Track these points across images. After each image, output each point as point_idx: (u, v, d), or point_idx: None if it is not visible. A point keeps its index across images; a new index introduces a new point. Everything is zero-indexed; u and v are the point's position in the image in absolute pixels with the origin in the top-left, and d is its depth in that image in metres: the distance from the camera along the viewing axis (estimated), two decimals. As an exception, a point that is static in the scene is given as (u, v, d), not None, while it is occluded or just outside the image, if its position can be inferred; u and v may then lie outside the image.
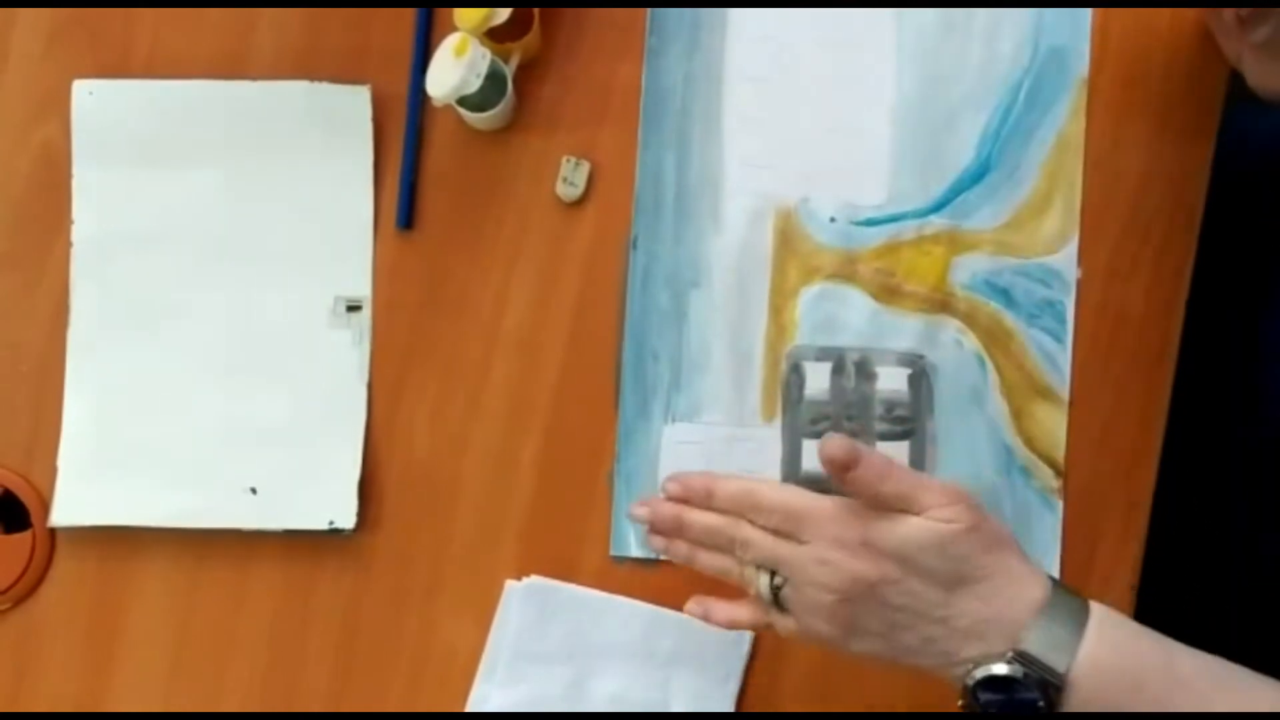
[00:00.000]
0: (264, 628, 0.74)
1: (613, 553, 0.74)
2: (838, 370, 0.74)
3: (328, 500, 0.74)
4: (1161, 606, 0.70)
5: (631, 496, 0.74)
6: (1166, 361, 0.73)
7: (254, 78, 0.75)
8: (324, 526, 0.73)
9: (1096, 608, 0.58)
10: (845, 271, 0.74)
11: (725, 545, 0.64)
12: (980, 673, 0.58)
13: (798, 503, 0.61)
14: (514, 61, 0.73)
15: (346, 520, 0.73)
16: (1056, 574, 0.72)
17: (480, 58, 0.69)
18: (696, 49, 0.75)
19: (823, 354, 0.74)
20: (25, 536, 0.74)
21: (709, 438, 0.74)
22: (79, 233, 0.75)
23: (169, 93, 0.75)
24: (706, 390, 0.74)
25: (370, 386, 0.75)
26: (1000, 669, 0.57)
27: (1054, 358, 0.73)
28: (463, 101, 0.71)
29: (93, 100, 0.75)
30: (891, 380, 0.74)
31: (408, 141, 0.75)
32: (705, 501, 0.65)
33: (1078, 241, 0.73)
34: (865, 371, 0.74)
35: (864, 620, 0.60)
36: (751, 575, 0.63)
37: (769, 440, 0.74)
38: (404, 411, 0.75)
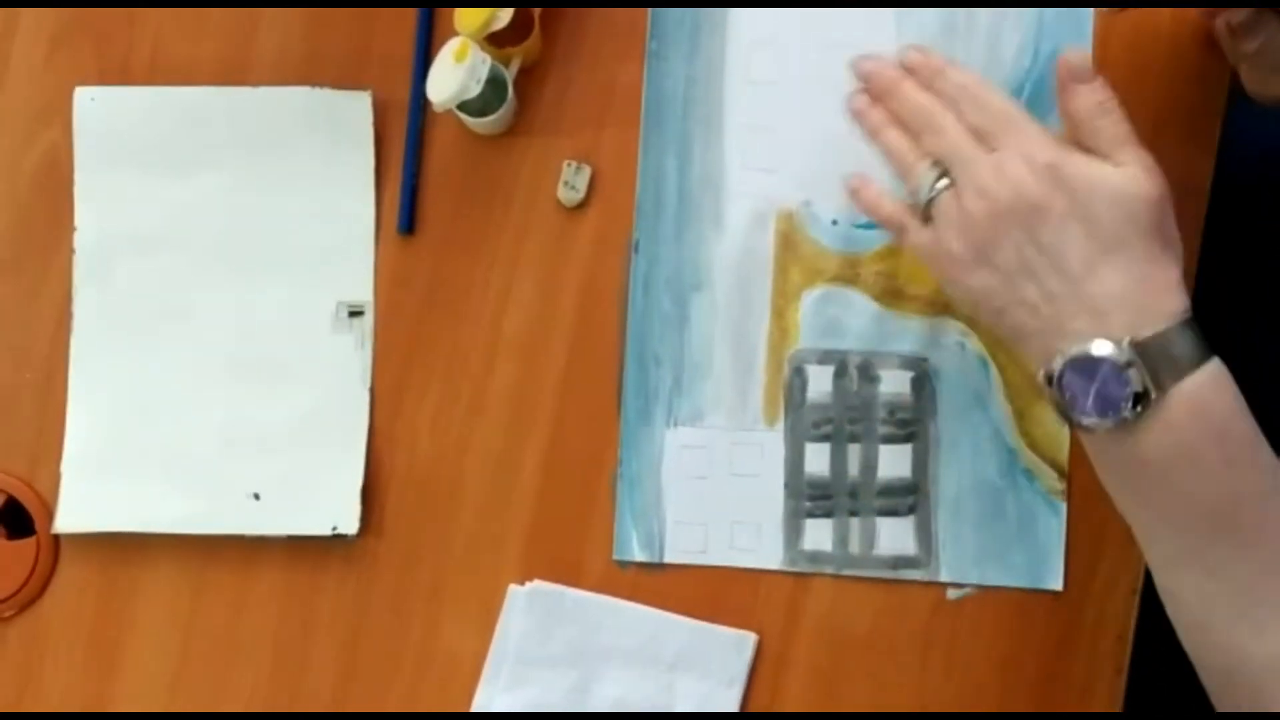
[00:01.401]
0: (267, 633, 0.74)
1: (616, 557, 0.74)
2: (840, 373, 0.74)
3: (331, 505, 0.74)
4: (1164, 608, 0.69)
5: (634, 501, 0.74)
6: (1170, 363, 0.73)
7: (255, 84, 0.75)
8: (327, 531, 0.73)
9: (1215, 359, 0.55)
10: (847, 274, 0.74)
11: (918, 129, 0.62)
12: (1078, 348, 0.55)
13: (1014, 112, 0.59)
14: (514, 66, 0.73)
15: (349, 525, 0.73)
16: (1060, 577, 0.72)
17: (480, 63, 0.69)
18: (697, 52, 0.75)
19: (825, 357, 0.74)
20: (29, 543, 0.75)
21: (711, 442, 0.74)
22: (82, 239, 0.75)
23: (171, 99, 0.75)
24: (708, 394, 0.74)
25: (372, 391, 0.75)
26: (1105, 349, 0.54)
27: (1057, 360, 0.73)
28: (463, 107, 0.71)
29: (95, 107, 0.75)
30: (894, 383, 0.74)
31: (409, 146, 0.75)
32: (931, 79, 0.62)
33: (1080, 243, 0.73)
34: (868, 374, 0.74)
35: (1000, 247, 0.57)
36: (921, 170, 0.61)
37: (772, 444, 0.74)
38: (406, 416, 0.75)
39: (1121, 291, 0.55)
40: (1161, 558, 0.58)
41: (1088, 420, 0.56)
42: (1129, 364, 0.54)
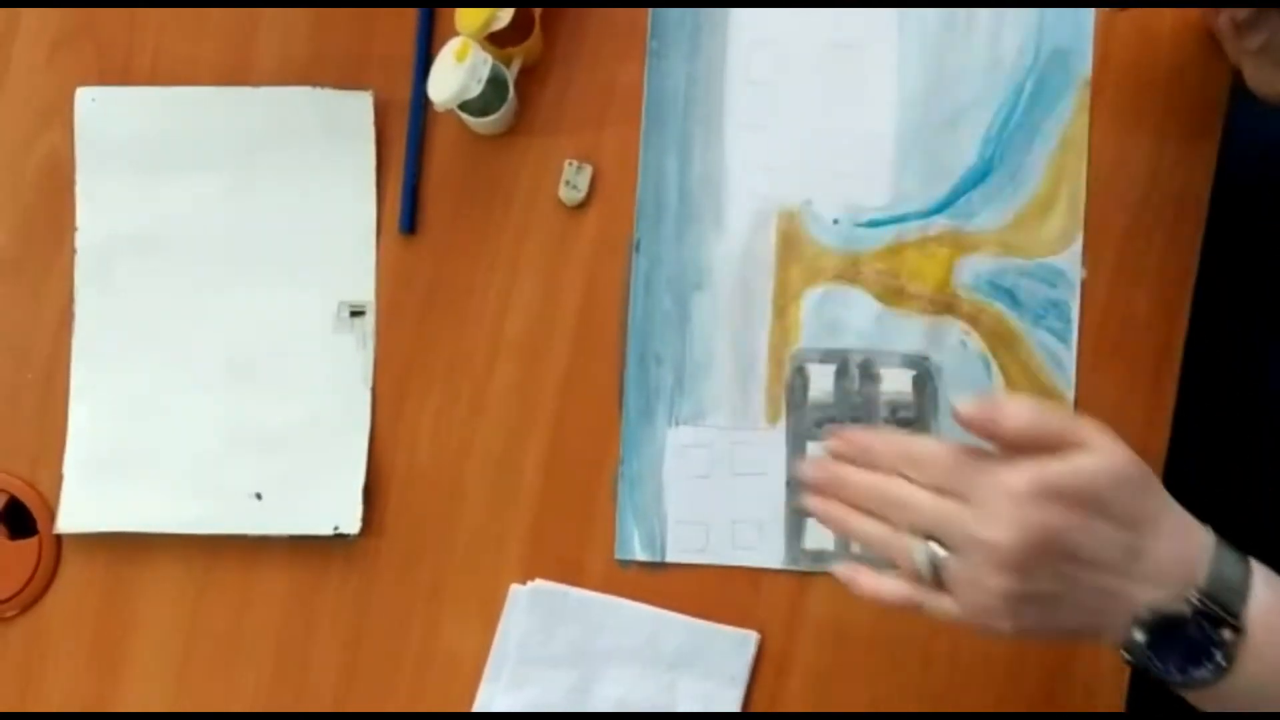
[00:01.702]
0: (270, 632, 0.75)
1: (617, 556, 0.74)
2: (842, 372, 0.74)
3: (332, 505, 0.74)
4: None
5: (635, 500, 0.74)
6: (1171, 361, 0.73)
7: (256, 84, 0.75)
8: (329, 531, 0.73)
9: (1256, 565, 0.55)
10: (849, 273, 0.74)
11: (883, 511, 0.58)
12: (1151, 613, 0.53)
13: (955, 454, 0.56)
14: (515, 66, 0.73)
15: (351, 525, 0.73)
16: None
17: (481, 62, 0.70)
18: (698, 51, 0.75)
19: (827, 356, 0.74)
20: (31, 543, 0.75)
21: (713, 441, 0.74)
22: (83, 240, 0.76)
23: (172, 100, 0.75)
24: (710, 393, 0.74)
25: (374, 391, 0.75)
26: (1178, 607, 0.53)
27: (1059, 358, 0.73)
28: (464, 106, 0.71)
29: (96, 108, 0.75)
30: (896, 382, 0.74)
31: (410, 146, 0.75)
32: (864, 458, 0.59)
33: (1082, 241, 0.73)
34: (869, 373, 0.74)
35: (1038, 584, 0.54)
36: (909, 546, 0.57)
37: (773, 443, 0.74)
38: (408, 416, 0.75)
39: (1168, 554, 0.54)
40: None
41: (1189, 677, 0.55)
42: (1204, 614, 0.53)
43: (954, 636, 0.72)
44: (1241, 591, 0.53)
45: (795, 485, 0.73)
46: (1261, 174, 0.80)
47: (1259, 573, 0.55)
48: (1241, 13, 0.63)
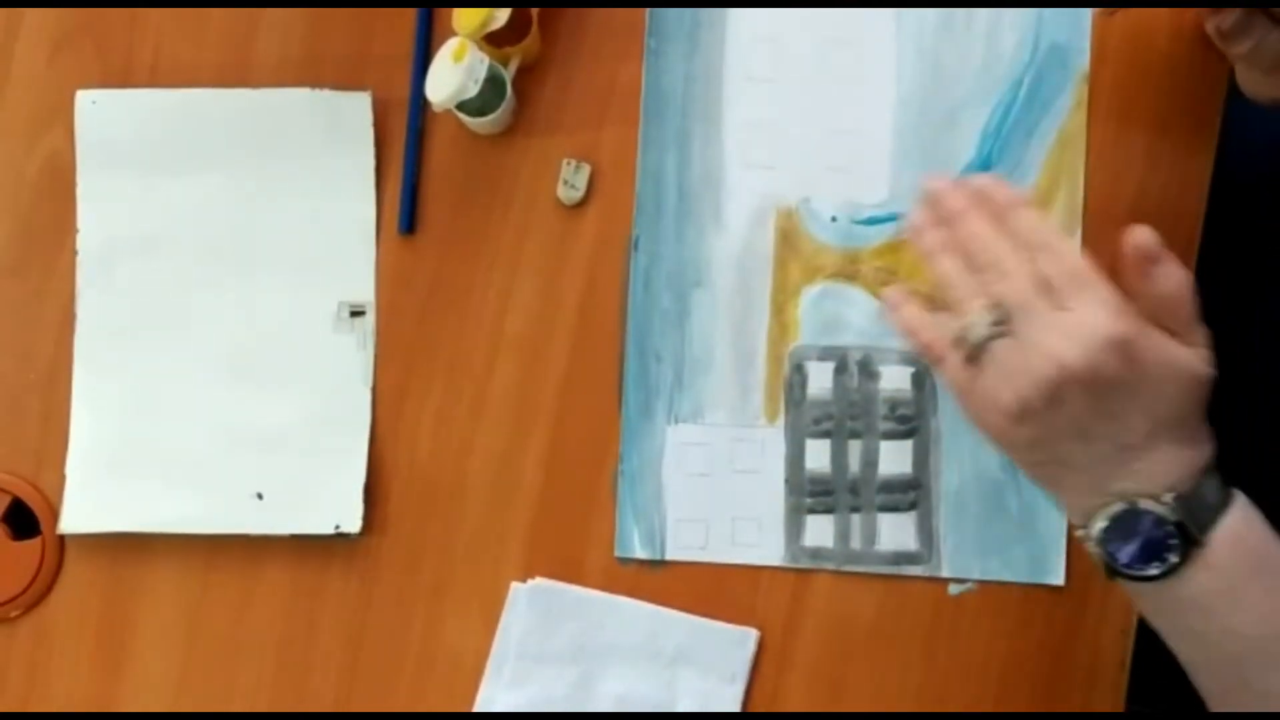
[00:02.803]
0: (271, 631, 0.75)
1: (617, 554, 0.74)
2: (840, 369, 0.74)
3: (333, 505, 0.74)
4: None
5: (635, 498, 0.74)
6: (1171, 357, 0.73)
7: (256, 85, 0.76)
8: (330, 530, 0.74)
9: (1237, 493, 0.56)
10: (847, 270, 0.74)
11: (981, 265, 0.57)
12: (1121, 506, 0.55)
13: (1086, 271, 0.55)
14: (513, 65, 0.73)
15: (352, 524, 0.74)
16: (1062, 572, 0.72)
17: (479, 62, 0.70)
18: (696, 49, 0.75)
19: (825, 353, 0.74)
20: (35, 543, 0.75)
21: (712, 438, 0.74)
22: (84, 241, 0.76)
23: (172, 101, 0.76)
24: (709, 391, 0.74)
25: (374, 390, 0.75)
26: (1151, 506, 0.54)
27: (1058, 355, 0.73)
28: (462, 106, 0.71)
29: (96, 110, 0.76)
30: (895, 379, 0.74)
31: (409, 147, 0.75)
32: (1004, 214, 0.58)
33: (1080, 237, 0.73)
34: (868, 370, 0.74)
35: (1058, 411, 0.54)
36: (977, 310, 0.56)
37: (772, 440, 0.74)
38: (408, 415, 0.75)
39: (1173, 458, 0.55)
40: (1212, 691, 0.58)
41: (1132, 570, 0.55)
42: (1170, 518, 0.54)
43: (955, 635, 0.73)
44: (1214, 511, 0.55)
45: (793, 484, 0.73)
46: (1260, 170, 0.80)
47: (1239, 507, 0.56)
48: (1227, 21, 0.62)
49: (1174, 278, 0.56)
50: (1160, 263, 0.55)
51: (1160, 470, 0.55)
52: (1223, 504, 0.55)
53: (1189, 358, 0.56)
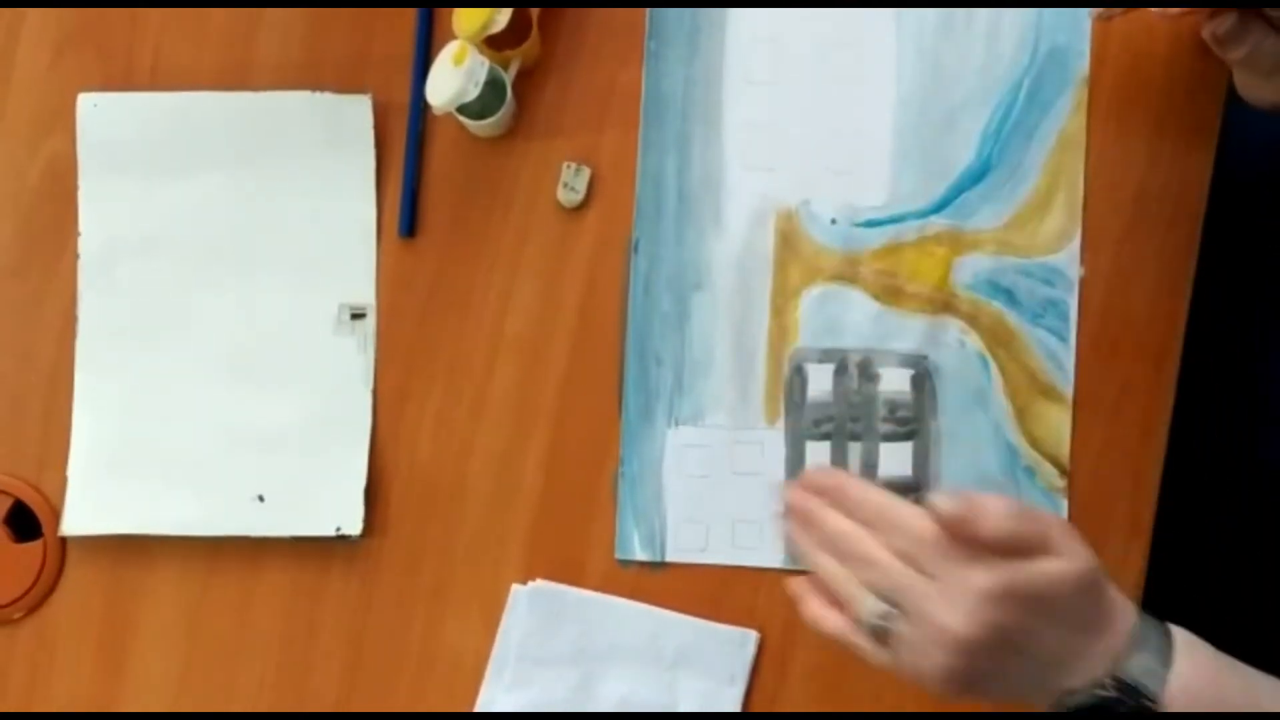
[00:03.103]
0: (272, 633, 0.75)
1: (618, 556, 0.74)
2: (840, 372, 0.74)
3: (334, 507, 0.74)
4: (1168, 605, 0.69)
5: (635, 500, 0.74)
6: (1170, 358, 0.73)
7: (257, 88, 0.76)
8: (331, 532, 0.74)
9: (1178, 632, 0.57)
10: (847, 273, 0.74)
11: (847, 559, 0.59)
12: (1077, 700, 0.56)
13: (933, 530, 0.56)
14: (513, 68, 0.73)
15: (353, 526, 0.74)
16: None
17: (479, 65, 0.70)
18: (696, 52, 0.75)
19: (825, 356, 0.74)
20: (36, 546, 0.75)
21: (712, 440, 0.74)
22: (86, 244, 0.76)
23: (173, 104, 0.76)
24: (709, 393, 0.74)
25: (375, 392, 0.75)
26: (1100, 693, 0.56)
27: (1057, 357, 0.73)
28: (462, 109, 0.71)
29: (98, 113, 0.76)
30: (894, 381, 0.74)
31: (409, 149, 0.75)
32: (841, 501, 0.60)
33: (1080, 240, 0.73)
34: (868, 373, 0.74)
35: (977, 666, 0.56)
36: (863, 599, 0.58)
37: (772, 443, 0.74)
38: (409, 417, 0.75)
39: (1099, 651, 0.56)
40: None
41: None
42: (1122, 700, 0.55)
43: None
44: (1161, 673, 0.56)
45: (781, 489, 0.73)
46: (1260, 170, 0.80)
47: (1182, 645, 0.57)
48: (1223, 26, 0.63)
49: (997, 519, 0.55)
50: (974, 519, 0.55)
51: (1094, 665, 0.56)
52: (1164, 662, 0.56)
53: (1064, 567, 0.55)
